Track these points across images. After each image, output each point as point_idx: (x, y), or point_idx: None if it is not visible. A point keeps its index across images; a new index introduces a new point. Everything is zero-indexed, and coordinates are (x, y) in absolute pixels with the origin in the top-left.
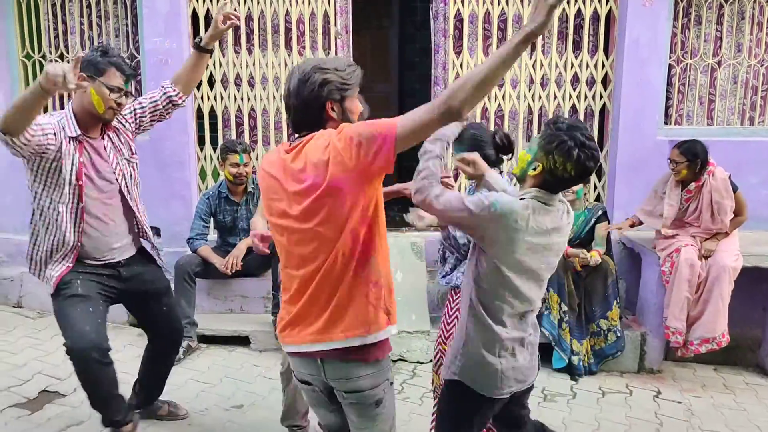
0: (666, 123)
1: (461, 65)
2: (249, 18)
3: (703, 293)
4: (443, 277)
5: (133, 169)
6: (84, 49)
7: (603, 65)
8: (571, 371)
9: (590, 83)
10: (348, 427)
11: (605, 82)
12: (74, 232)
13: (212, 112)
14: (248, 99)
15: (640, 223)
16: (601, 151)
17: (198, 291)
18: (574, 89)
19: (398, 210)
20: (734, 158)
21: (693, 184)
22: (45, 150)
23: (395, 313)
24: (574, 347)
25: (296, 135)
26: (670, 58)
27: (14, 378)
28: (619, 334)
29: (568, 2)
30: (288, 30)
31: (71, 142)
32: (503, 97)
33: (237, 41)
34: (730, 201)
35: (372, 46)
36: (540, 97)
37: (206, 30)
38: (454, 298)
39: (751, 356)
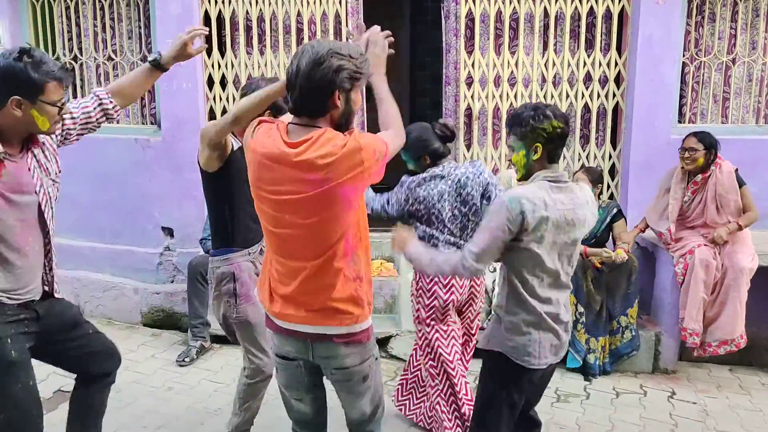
0: (680, 121)
1: (473, 64)
2: (260, 19)
3: (720, 295)
4: None
5: (57, 190)
6: (97, 51)
7: (616, 63)
8: (585, 371)
9: (603, 82)
10: (315, 420)
11: (618, 80)
12: None
13: (224, 113)
14: None
15: (647, 227)
16: (614, 150)
17: (210, 291)
18: (587, 88)
19: None
20: (749, 157)
21: (699, 176)
22: None
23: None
24: (591, 345)
25: (291, 118)
26: (683, 55)
27: None
28: (634, 333)
29: (581, 1)
30: (299, 31)
31: None
32: (515, 96)
33: (249, 42)
34: (734, 195)
35: None
36: (552, 96)
37: (219, 33)
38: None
39: (767, 356)
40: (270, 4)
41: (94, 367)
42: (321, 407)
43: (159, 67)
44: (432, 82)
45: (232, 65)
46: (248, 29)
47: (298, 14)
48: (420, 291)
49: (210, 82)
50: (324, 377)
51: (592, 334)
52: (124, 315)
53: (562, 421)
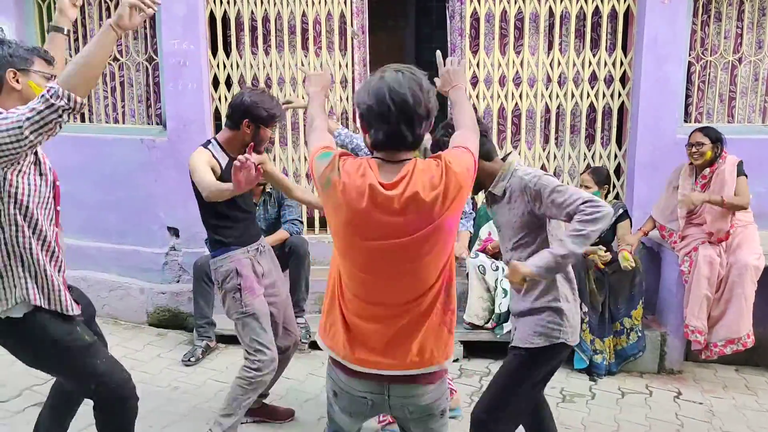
0: (686, 121)
1: (478, 64)
2: (266, 19)
3: (725, 292)
4: None
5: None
6: None
7: (621, 63)
8: (591, 371)
9: (608, 81)
10: None
11: (624, 80)
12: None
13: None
14: None
15: (653, 227)
16: (620, 149)
17: (216, 291)
18: (592, 87)
19: None
20: (755, 156)
21: (708, 169)
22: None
23: None
24: (597, 346)
25: (372, 152)
26: (689, 55)
27: (35, 377)
28: (640, 334)
29: (586, 0)
30: (304, 31)
31: None
32: (520, 96)
33: (254, 42)
34: (732, 183)
35: (388, 46)
36: (557, 96)
37: (225, 33)
38: None
39: None
40: (275, 4)
41: None
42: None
43: (58, 29)
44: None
45: (238, 65)
46: (253, 29)
47: (303, 14)
48: None
49: (215, 83)
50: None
51: (597, 335)
52: (130, 315)
53: (567, 422)
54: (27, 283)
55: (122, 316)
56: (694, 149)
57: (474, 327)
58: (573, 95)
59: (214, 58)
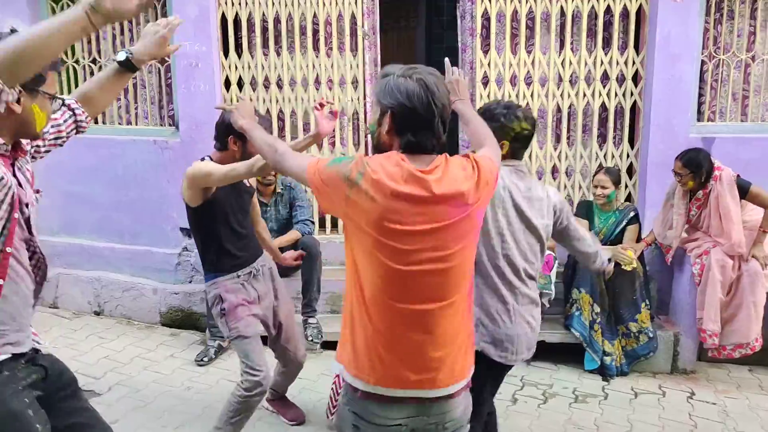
0: (699, 120)
1: (488, 64)
2: (277, 20)
3: (735, 296)
4: None
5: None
6: (116, 54)
7: (633, 62)
8: (603, 372)
9: (620, 80)
10: None
11: (636, 79)
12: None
13: None
14: (277, 101)
15: (654, 239)
16: (632, 149)
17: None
18: (604, 87)
19: None
20: None
21: (700, 192)
22: None
23: None
24: (606, 348)
25: (403, 153)
26: (702, 53)
27: None
28: (651, 335)
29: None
30: (315, 32)
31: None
32: (531, 96)
33: (265, 43)
34: (735, 207)
35: (399, 45)
36: (569, 95)
37: (236, 35)
38: None
39: None
40: (286, 5)
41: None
42: None
43: (130, 67)
44: None
45: (249, 66)
46: (264, 31)
47: (314, 15)
48: None
49: (227, 84)
50: None
51: (606, 337)
52: (143, 315)
53: (580, 422)
54: None
55: (135, 316)
56: (677, 178)
57: None
58: (585, 94)
59: (226, 59)
